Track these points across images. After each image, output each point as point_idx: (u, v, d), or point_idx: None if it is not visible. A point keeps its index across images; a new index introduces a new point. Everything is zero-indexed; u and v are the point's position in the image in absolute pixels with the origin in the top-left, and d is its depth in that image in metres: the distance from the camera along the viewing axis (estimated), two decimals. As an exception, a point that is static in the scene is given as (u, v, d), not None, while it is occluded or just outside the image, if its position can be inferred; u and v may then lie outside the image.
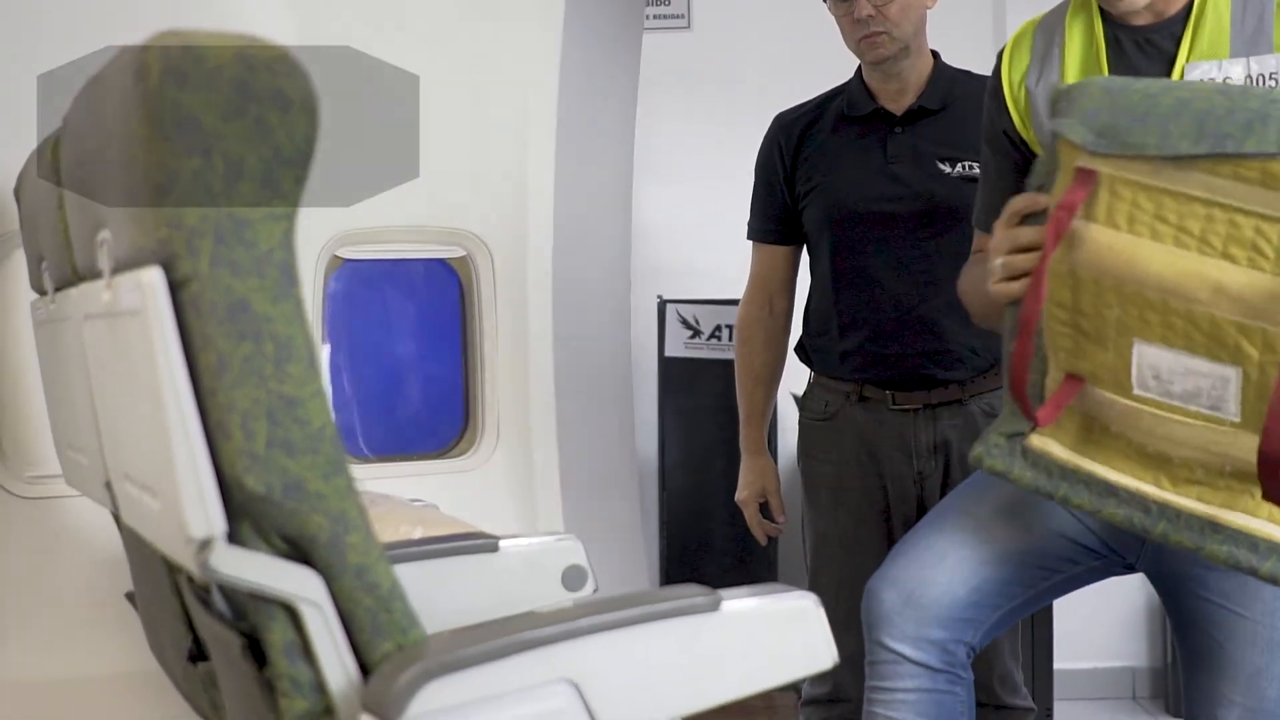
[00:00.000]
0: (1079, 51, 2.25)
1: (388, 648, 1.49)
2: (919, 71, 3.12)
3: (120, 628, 2.67)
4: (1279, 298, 1.81)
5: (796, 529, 3.49)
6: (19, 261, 2.71)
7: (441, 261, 3.04)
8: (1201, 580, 2.27)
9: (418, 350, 3.15)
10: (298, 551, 1.46)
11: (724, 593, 1.62)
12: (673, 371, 5.04)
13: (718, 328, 4.92)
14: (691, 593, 1.60)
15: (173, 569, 1.97)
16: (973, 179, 2.92)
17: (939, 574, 2.30)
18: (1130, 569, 2.35)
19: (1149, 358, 1.96)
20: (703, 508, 4.94)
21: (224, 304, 1.41)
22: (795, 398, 3.39)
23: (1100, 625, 5.40)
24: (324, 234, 2.84)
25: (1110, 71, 2.21)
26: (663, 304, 5.05)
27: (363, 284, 3.04)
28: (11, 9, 2.71)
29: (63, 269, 1.96)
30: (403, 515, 2.19)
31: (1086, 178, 1.94)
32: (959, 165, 3.01)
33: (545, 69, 2.99)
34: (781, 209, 3.21)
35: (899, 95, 3.12)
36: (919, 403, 3.06)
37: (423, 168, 2.94)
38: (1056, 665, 4.98)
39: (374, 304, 3.10)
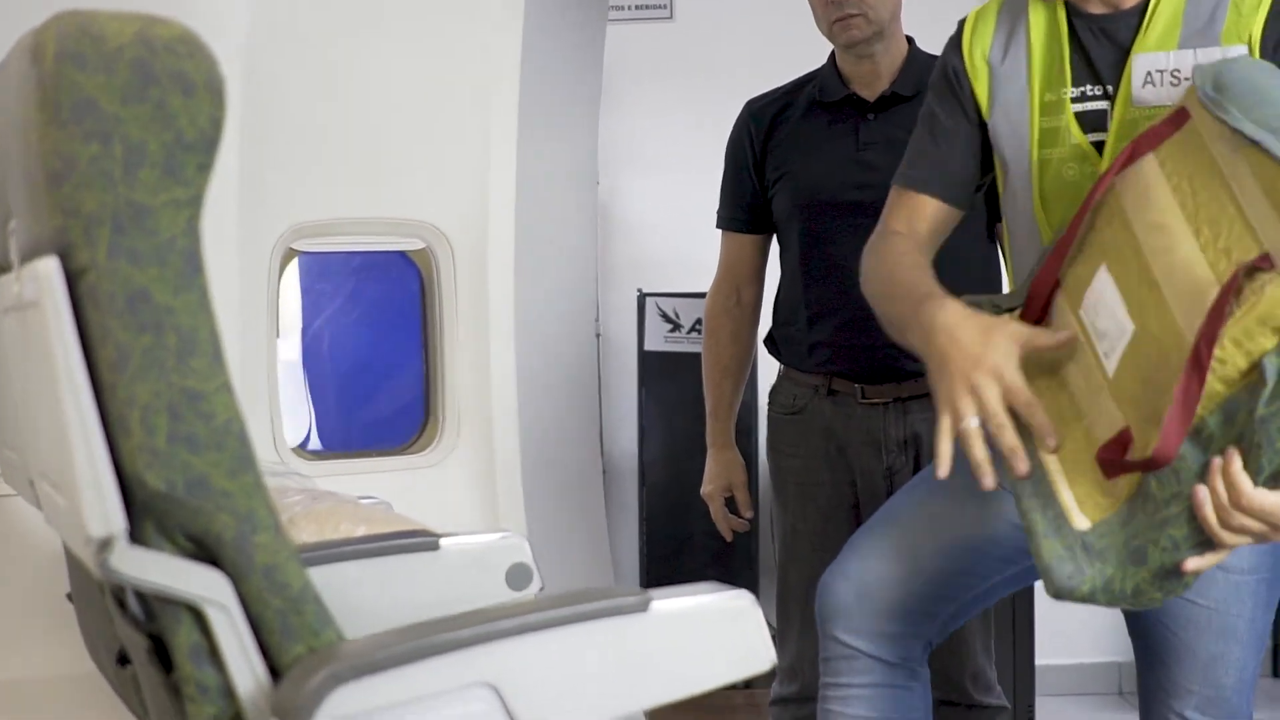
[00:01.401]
0: (1043, 37, 2.22)
1: (299, 651, 1.44)
2: (892, 57, 3.06)
3: (67, 629, 2.62)
4: (1201, 296, 1.77)
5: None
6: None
7: (401, 254, 2.98)
8: None
9: (377, 345, 3.10)
10: (203, 551, 1.41)
11: (655, 592, 1.57)
12: (653, 365, 4.99)
13: (699, 321, 4.85)
14: (619, 593, 1.54)
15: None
16: None
17: (894, 567, 2.26)
18: None
19: (1101, 283, 1.96)
20: (683, 502, 4.88)
21: (123, 295, 1.36)
22: None
23: (1085, 621, 5.34)
24: (279, 227, 2.79)
25: (1070, 61, 2.19)
26: (642, 297, 5.00)
27: (320, 278, 2.99)
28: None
29: (-13, 261, 1.91)
30: (346, 513, 2.14)
31: (1180, 116, 1.96)
32: None
33: (507, 58, 2.94)
34: (751, 197, 3.15)
35: (872, 81, 3.06)
36: (889, 396, 3.00)
37: (380, 159, 2.89)
38: (1040, 661, 4.92)
39: (332, 298, 3.05)
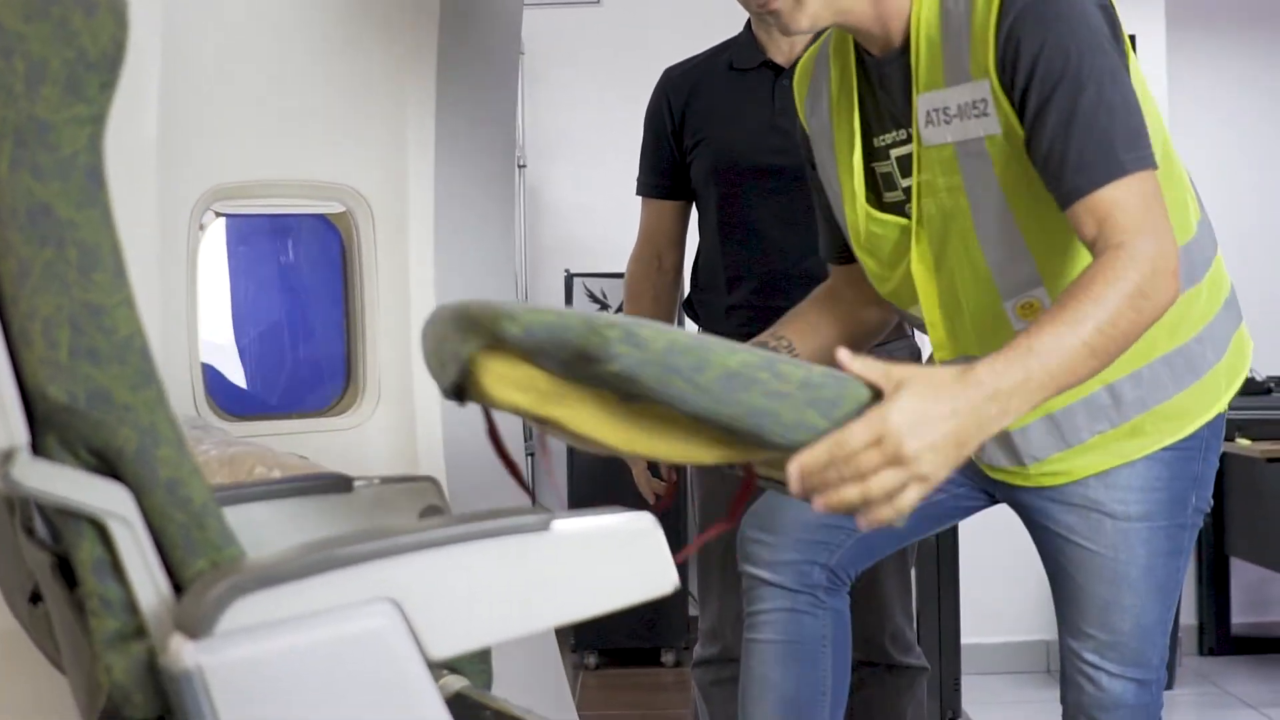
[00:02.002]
0: (836, 88, 2.24)
1: (201, 565, 1.45)
2: None
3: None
4: None
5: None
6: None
7: (321, 217, 2.99)
8: (1049, 514, 2.27)
9: (298, 308, 3.10)
10: (106, 466, 1.42)
11: (559, 514, 1.59)
12: (581, 347, 4.99)
13: (626, 302, 4.88)
14: (521, 512, 1.56)
15: (11, 507, 1.92)
16: None
17: (790, 499, 2.29)
18: (993, 500, 2.35)
19: None
20: (611, 483, 4.89)
21: (25, 208, 1.37)
22: None
23: (1012, 600, 5.42)
24: (199, 187, 2.78)
25: (866, 109, 2.21)
26: (570, 278, 5.03)
27: (240, 240, 2.99)
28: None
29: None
30: (259, 457, 2.15)
31: None
32: None
33: (424, 23, 2.95)
34: (670, 163, 3.18)
35: (787, 48, 3.09)
36: (806, 357, 3.03)
37: (301, 122, 2.90)
38: (967, 640, 4.99)
39: (252, 261, 3.05)
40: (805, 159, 2.41)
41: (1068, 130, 1.94)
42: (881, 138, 2.21)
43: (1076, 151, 1.93)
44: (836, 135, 2.25)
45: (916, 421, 1.61)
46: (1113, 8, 2.04)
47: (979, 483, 2.32)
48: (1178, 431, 2.22)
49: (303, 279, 3.08)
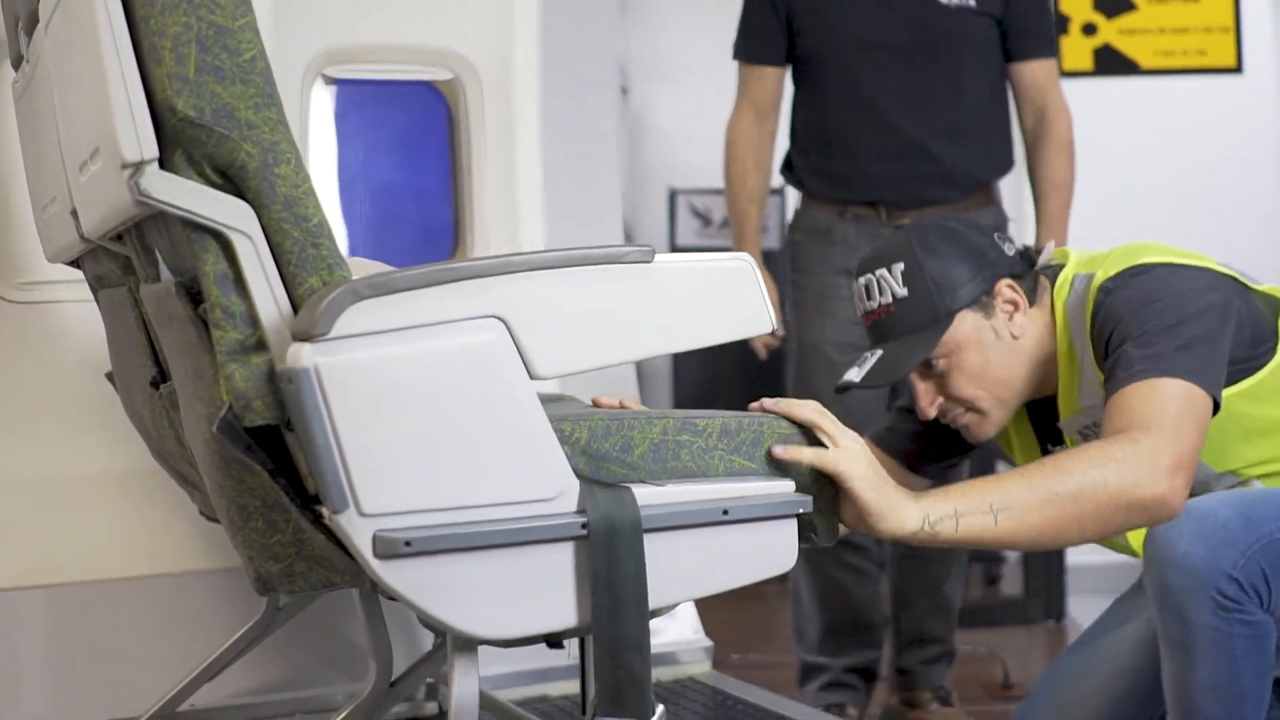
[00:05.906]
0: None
1: (313, 283, 1.51)
2: None
3: (107, 429, 2.70)
4: None
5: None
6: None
7: (428, 84, 3.05)
8: None
9: (407, 172, 3.16)
10: (230, 185, 1.49)
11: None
12: (684, 263, 5.04)
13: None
14: (626, 244, 1.61)
15: (137, 301, 2.00)
16: (970, 10, 3.00)
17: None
18: None
19: None
20: (715, 392, 4.95)
21: (154, -69, 1.45)
22: None
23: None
24: (309, 50, 2.86)
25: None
26: (673, 194, 5.07)
27: (351, 105, 3.06)
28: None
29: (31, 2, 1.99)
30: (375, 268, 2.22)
31: None
32: None
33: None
34: (779, 31, 3.21)
35: None
36: (910, 217, 3.06)
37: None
38: (1070, 560, 4.98)
39: (362, 125, 3.11)
40: None
41: (1138, 338, 1.99)
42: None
43: (1134, 354, 1.97)
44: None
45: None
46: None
47: None
48: None
49: (411, 144, 3.14)
